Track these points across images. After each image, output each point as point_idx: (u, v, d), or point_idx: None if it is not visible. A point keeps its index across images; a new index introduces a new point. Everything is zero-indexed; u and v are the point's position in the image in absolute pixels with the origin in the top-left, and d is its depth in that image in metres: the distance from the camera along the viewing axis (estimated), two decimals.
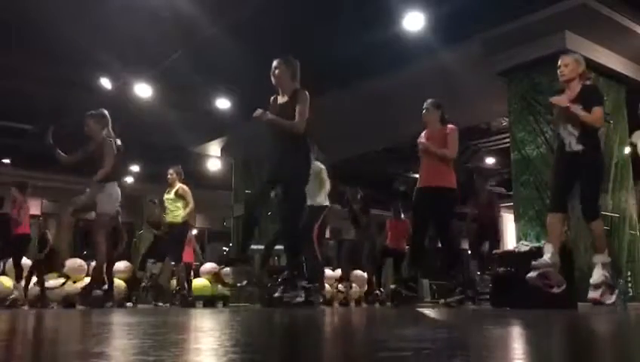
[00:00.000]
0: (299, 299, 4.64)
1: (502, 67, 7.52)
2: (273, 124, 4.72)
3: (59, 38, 7.60)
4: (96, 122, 6.09)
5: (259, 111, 4.73)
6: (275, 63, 4.88)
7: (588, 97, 4.50)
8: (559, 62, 4.68)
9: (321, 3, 7.31)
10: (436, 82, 8.37)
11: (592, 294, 4.41)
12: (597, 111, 4.43)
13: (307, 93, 4.77)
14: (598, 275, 4.41)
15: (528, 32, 7.00)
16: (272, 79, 4.87)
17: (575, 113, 4.41)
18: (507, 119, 8.52)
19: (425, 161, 5.60)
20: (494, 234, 8.52)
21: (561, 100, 4.56)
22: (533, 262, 4.48)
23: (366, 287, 9.98)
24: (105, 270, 6.38)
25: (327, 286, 13.23)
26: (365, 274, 10.19)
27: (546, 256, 4.44)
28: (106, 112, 6.19)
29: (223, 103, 9.98)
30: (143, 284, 8.88)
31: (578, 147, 4.45)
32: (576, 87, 4.59)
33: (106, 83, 9.20)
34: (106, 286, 6.46)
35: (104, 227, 6.05)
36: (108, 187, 5.97)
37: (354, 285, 10.62)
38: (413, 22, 7.32)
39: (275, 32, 7.68)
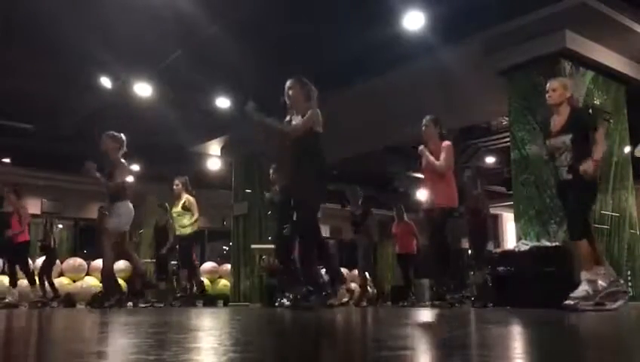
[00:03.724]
0: (308, 304, 4.64)
1: (502, 66, 7.51)
2: (262, 125, 4.73)
3: (59, 37, 7.60)
4: (114, 141, 6.28)
5: (250, 105, 4.75)
6: (288, 83, 4.83)
7: (578, 124, 4.63)
8: (547, 87, 4.82)
9: (321, 2, 7.30)
10: (436, 81, 8.37)
11: (567, 302, 4.51)
12: (599, 136, 4.53)
13: (319, 112, 4.74)
14: (581, 290, 4.54)
15: (528, 31, 6.98)
16: (286, 100, 4.83)
17: (590, 167, 4.45)
18: (507, 118, 8.51)
19: (429, 181, 5.96)
20: (482, 236, 8.45)
21: (589, 167, 4.50)
22: (571, 294, 4.53)
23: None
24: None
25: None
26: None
27: (584, 287, 4.53)
28: (123, 136, 6.40)
29: (222, 102, 9.97)
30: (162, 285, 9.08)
31: (568, 176, 4.62)
32: (564, 111, 4.71)
33: (106, 82, 9.19)
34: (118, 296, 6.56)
35: (111, 241, 6.19)
36: (119, 206, 6.16)
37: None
38: (413, 21, 7.30)
39: (275, 32, 7.67)
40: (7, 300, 8.54)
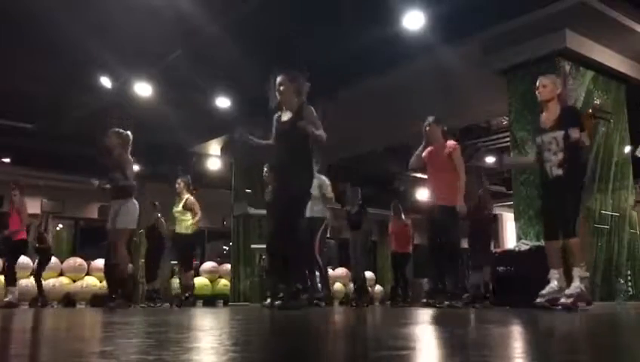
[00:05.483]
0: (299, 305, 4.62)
1: (502, 66, 7.51)
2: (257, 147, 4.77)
3: (59, 37, 7.60)
4: (118, 138, 6.28)
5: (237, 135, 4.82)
6: (279, 79, 4.85)
7: (569, 120, 4.67)
8: (537, 83, 4.85)
9: (321, 2, 7.29)
10: (436, 81, 8.37)
11: (564, 300, 4.54)
12: (581, 134, 4.64)
13: (312, 107, 4.77)
14: (574, 287, 4.59)
15: (528, 31, 6.99)
16: (277, 95, 4.85)
17: (584, 140, 4.63)
18: (507, 118, 8.51)
19: (432, 180, 5.92)
20: (485, 235, 8.40)
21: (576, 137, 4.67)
22: (541, 291, 4.65)
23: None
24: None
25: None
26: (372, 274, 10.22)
27: (553, 284, 4.62)
28: (129, 133, 6.42)
29: (222, 102, 9.97)
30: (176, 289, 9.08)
31: (558, 172, 4.63)
32: (554, 108, 4.79)
33: (105, 82, 9.19)
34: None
35: (124, 240, 6.27)
36: (127, 204, 6.19)
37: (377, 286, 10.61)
38: (414, 20, 7.30)
39: (275, 31, 7.67)
40: (7, 299, 8.52)
